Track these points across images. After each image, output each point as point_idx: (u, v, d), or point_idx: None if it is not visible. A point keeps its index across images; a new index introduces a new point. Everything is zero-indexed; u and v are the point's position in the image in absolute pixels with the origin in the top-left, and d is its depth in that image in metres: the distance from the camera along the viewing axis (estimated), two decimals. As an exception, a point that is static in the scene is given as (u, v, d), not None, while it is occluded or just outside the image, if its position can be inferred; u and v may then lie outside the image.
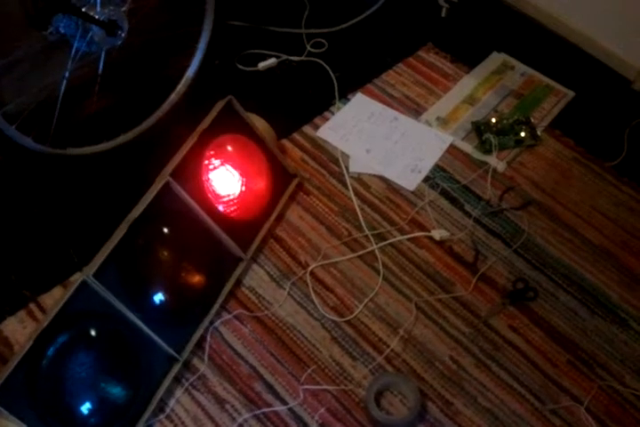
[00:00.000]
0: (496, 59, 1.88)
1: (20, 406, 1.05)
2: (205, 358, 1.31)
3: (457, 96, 1.78)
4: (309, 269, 1.44)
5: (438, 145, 1.67)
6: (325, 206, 1.55)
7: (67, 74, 1.46)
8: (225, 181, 1.40)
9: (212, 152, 1.37)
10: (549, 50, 1.91)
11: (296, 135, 1.68)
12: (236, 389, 1.28)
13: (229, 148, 1.43)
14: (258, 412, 1.25)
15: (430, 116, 1.73)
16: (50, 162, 1.52)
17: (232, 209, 1.41)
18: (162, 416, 1.24)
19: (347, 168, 1.62)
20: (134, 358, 1.21)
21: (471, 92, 1.79)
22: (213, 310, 1.34)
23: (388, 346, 1.34)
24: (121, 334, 1.20)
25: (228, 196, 1.41)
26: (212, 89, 1.75)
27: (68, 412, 1.13)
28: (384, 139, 1.68)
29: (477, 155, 1.65)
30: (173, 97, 1.67)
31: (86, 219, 1.52)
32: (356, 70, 1.84)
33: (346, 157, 1.64)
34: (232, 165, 1.42)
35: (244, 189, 1.43)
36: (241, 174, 1.43)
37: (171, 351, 1.26)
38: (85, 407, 1.14)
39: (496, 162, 1.63)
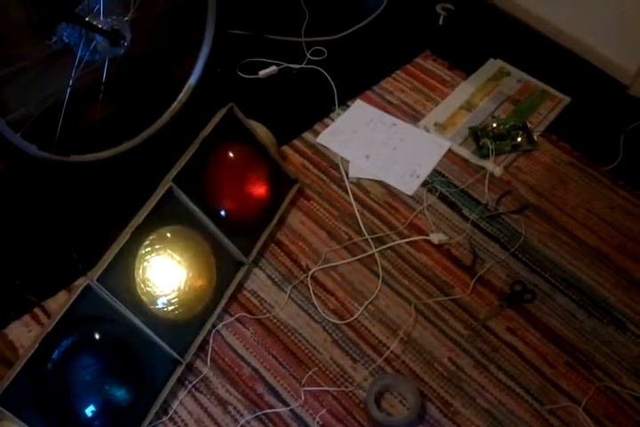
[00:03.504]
0: (493, 65, 1.90)
1: (25, 409, 1.07)
2: (208, 360, 1.33)
3: (454, 102, 1.80)
4: (310, 272, 1.46)
5: (436, 150, 1.69)
6: (326, 211, 1.57)
7: (70, 82, 1.48)
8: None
9: (213, 159, 1.39)
10: (545, 56, 1.93)
11: (296, 142, 1.71)
12: (239, 391, 1.29)
13: (231, 154, 1.45)
14: (260, 413, 1.27)
15: (428, 121, 1.75)
16: (54, 169, 1.53)
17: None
18: (165, 418, 1.26)
19: (346, 173, 1.64)
20: (138, 361, 1.23)
21: (468, 99, 1.81)
22: (216, 314, 1.36)
23: (388, 348, 1.35)
24: (124, 337, 1.22)
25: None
26: (213, 97, 1.77)
27: (72, 414, 1.14)
28: (383, 144, 1.70)
29: (475, 160, 1.67)
30: (175, 105, 1.69)
31: (90, 224, 1.53)
32: (356, 78, 1.86)
33: (345, 162, 1.66)
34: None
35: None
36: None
37: (174, 354, 1.28)
38: (90, 410, 1.15)
39: (493, 167, 1.65)
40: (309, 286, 1.44)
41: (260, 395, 1.29)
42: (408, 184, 1.62)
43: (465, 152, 1.69)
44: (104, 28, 1.43)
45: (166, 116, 1.68)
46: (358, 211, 1.56)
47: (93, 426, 1.17)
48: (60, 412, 1.12)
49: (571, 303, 1.43)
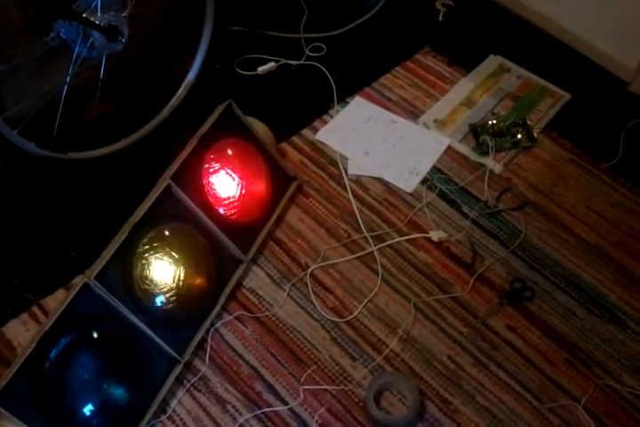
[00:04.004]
0: (493, 62, 1.89)
1: (23, 408, 1.06)
2: (206, 359, 1.32)
3: (454, 99, 1.79)
4: (309, 270, 1.45)
5: (436, 147, 1.68)
6: (325, 208, 1.56)
7: (68, 79, 1.47)
8: (225, 184, 1.42)
9: (212, 156, 1.39)
10: (545, 52, 1.93)
11: (295, 138, 1.70)
12: (237, 389, 1.29)
13: (229, 151, 1.44)
14: (258, 412, 1.26)
15: (428, 118, 1.74)
16: (51, 166, 1.53)
17: (232, 212, 1.42)
18: (164, 417, 1.26)
19: (345, 171, 1.63)
20: (136, 360, 1.23)
21: (468, 95, 1.80)
22: (214, 312, 1.35)
23: (388, 346, 1.35)
24: (123, 335, 1.21)
25: (229, 199, 1.42)
26: (211, 93, 1.77)
27: (70, 413, 1.14)
28: (382, 141, 1.69)
29: (474, 157, 1.66)
30: (174, 101, 1.68)
31: (88, 222, 1.53)
32: (355, 74, 1.86)
33: (344, 159, 1.66)
34: (232, 169, 1.43)
35: (243, 192, 1.45)
36: (240, 178, 1.45)
37: (172, 353, 1.27)
38: (88, 409, 1.15)
39: (493, 164, 1.64)
40: (308, 283, 1.43)
41: (258, 394, 1.29)
42: (407, 181, 1.61)
43: (465, 149, 1.68)
44: (101, 24, 1.43)
45: (164, 112, 1.67)
46: (357, 208, 1.56)
47: (92, 425, 1.17)
48: (58, 411, 1.12)
49: (570, 301, 1.42)
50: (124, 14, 1.47)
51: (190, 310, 1.32)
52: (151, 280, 1.27)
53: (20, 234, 1.52)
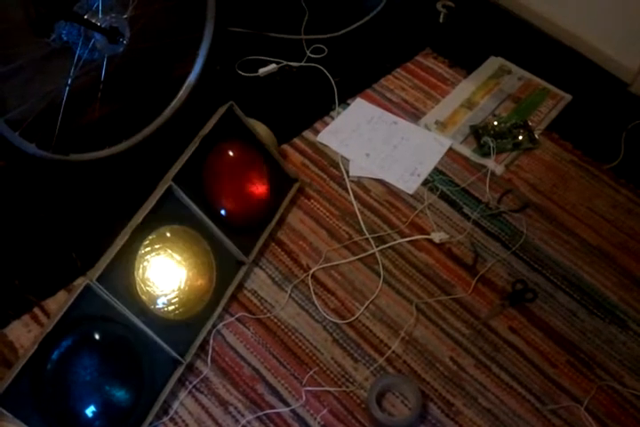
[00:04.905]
0: (493, 63, 1.89)
1: (25, 410, 1.06)
2: (208, 360, 1.32)
3: (455, 100, 1.80)
4: (311, 271, 1.45)
5: (437, 149, 1.68)
6: (326, 210, 1.56)
7: (69, 81, 1.47)
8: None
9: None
10: (546, 54, 1.93)
11: (296, 140, 1.70)
12: (239, 391, 1.29)
13: (230, 153, 1.44)
14: (260, 414, 1.26)
15: (429, 120, 1.74)
16: (53, 168, 1.53)
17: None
18: (166, 419, 1.25)
19: (347, 172, 1.63)
20: (138, 362, 1.22)
21: (469, 97, 1.81)
22: (216, 313, 1.35)
23: (389, 348, 1.35)
24: (125, 337, 1.21)
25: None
26: (213, 95, 1.77)
27: (72, 415, 1.14)
28: (383, 143, 1.69)
29: (476, 158, 1.66)
30: (175, 103, 1.68)
31: (90, 224, 1.53)
32: (356, 76, 1.86)
33: (346, 161, 1.66)
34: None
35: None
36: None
37: (174, 354, 1.27)
38: (90, 411, 1.15)
39: (494, 165, 1.64)
40: (310, 285, 1.43)
41: (260, 395, 1.29)
42: (409, 183, 1.61)
43: (466, 150, 1.68)
44: (103, 25, 1.42)
45: (165, 114, 1.67)
46: (359, 210, 1.56)
47: (94, 427, 1.16)
48: (60, 413, 1.12)
49: (572, 302, 1.42)
50: (125, 16, 1.47)
51: (192, 311, 1.32)
52: (153, 282, 1.27)
53: (21, 236, 1.51)
